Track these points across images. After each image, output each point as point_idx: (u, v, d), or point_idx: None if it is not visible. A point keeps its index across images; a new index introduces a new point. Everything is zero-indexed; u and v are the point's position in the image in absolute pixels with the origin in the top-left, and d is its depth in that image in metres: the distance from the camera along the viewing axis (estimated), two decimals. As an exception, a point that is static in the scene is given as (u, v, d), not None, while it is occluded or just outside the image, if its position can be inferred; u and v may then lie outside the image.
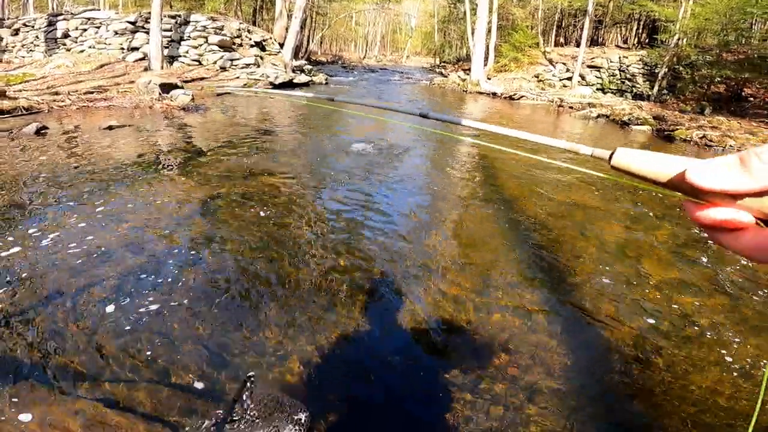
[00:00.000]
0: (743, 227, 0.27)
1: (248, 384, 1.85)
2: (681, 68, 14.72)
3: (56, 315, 2.28)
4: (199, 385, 1.87)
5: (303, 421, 1.67)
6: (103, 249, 2.98)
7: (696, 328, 2.49)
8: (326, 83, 16.07)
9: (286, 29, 18.65)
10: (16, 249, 2.92)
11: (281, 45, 17.11)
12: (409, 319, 2.45)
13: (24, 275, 2.62)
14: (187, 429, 1.66)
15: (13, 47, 15.70)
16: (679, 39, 14.59)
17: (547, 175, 5.57)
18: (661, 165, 0.32)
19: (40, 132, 6.18)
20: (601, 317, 2.54)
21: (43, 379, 1.85)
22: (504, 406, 1.86)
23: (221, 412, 1.73)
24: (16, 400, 1.73)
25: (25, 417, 1.66)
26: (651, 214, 4.40)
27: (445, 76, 21.06)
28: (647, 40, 19.70)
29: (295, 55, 17.44)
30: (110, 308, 2.36)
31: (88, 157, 5.18)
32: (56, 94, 9.15)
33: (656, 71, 15.10)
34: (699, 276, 3.12)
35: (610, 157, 0.35)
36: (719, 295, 2.86)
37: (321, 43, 32.28)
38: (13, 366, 1.92)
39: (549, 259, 3.22)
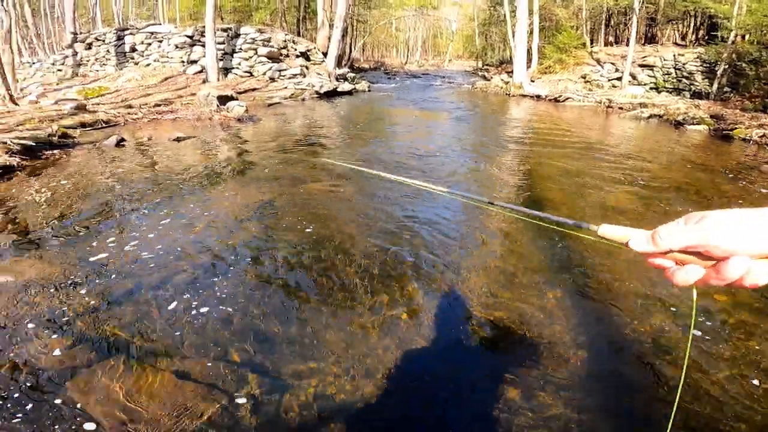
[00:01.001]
0: (665, 268, 0.51)
1: None
2: (743, 65, 13.88)
3: (140, 306, 2.69)
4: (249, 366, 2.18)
5: None
6: (179, 249, 3.41)
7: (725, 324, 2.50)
8: (369, 90, 16.51)
9: (329, 38, 19.35)
10: (113, 243, 3.41)
11: (324, 54, 17.77)
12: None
13: (115, 268, 3.08)
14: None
15: (87, 61, 17.28)
16: (736, 35, 13.76)
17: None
18: (621, 235, 0.54)
19: (119, 144, 6.93)
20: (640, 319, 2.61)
21: (129, 355, 2.23)
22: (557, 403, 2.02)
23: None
24: (108, 372, 2.11)
25: (116, 388, 2.03)
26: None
27: (488, 80, 20.92)
28: (705, 37, 18.62)
29: (339, 63, 18.03)
30: (185, 298, 2.74)
31: (163, 167, 5.79)
32: (129, 107, 10.13)
33: (716, 69, 14.36)
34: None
35: (597, 230, 0.55)
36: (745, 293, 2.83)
37: (363, 50, 33.00)
38: (105, 345, 2.32)
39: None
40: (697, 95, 14.49)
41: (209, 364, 2.18)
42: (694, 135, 9.40)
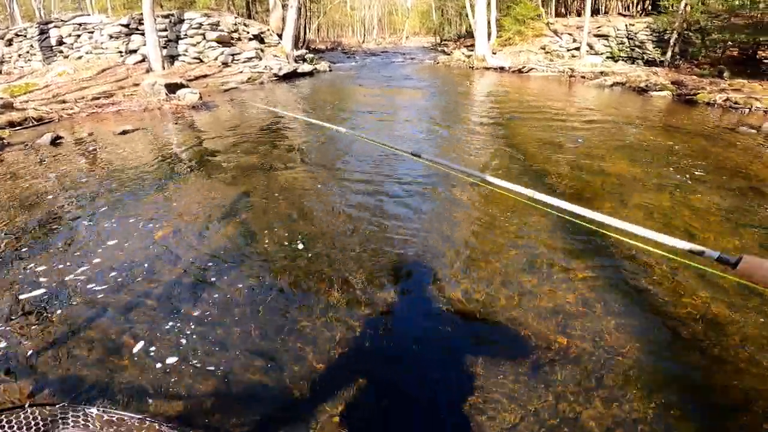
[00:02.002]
0: None
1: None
2: (691, 34, 14.39)
3: (109, 325, 2.20)
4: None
5: None
6: (137, 264, 2.89)
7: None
8: (330, 70, 15.78)
9: (282, 20, 18.26)
10: (59, 264, 2.83)
11: (279, 36, 16.77)
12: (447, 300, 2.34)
13: (75, 284, 2.54)
14: None
15: (9, 58, 15.57)
16: (686, 5, 14.19)
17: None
18: None
19: (55, 142, 6.07)
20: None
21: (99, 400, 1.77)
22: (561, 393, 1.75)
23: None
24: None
25: None
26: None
27: (449, 54, 20.59)
28: (650, 7, 19.18)
29: (295, 45, 17.09)
30: (149, 331, 2.27)
31: (109, 164, 5.07)
32: (63, 102, 9.03)
33: (665, 37, 14.86)
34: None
35: (736, 264, 0.34)
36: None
37: (318, 31, 31.69)
38: (71, 387, 1.84)
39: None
40: (649, 63, 14.91)
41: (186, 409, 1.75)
42: (659, 101, 9.53)
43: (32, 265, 2.81)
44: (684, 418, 1.68)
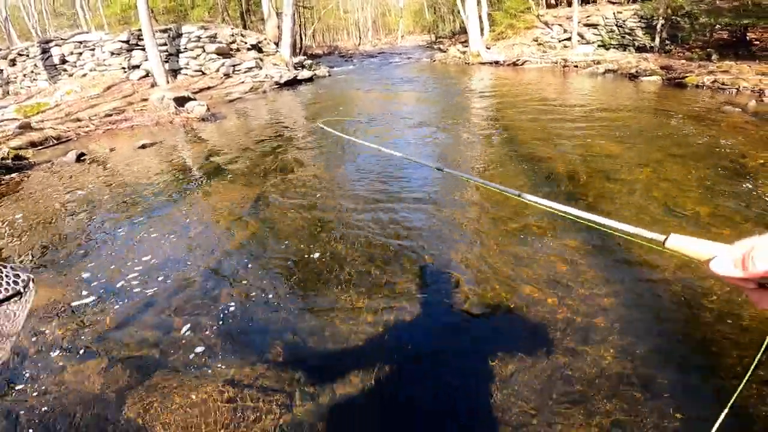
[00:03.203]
0: (747, 289, 0.43)
1: None
2: (679, 19, 14.70)
3: (160, 325, 2.56)
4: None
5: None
6: (180, 259, 3.26)
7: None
8: (329, 75, 16.14)
9: (278, 28, 18.64)
10: (106, 266, 3.20)
11: (276, 44, 17.14)
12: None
13: (121, 284, 2.91)
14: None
15: (15, 78, 15.96)
16: (669, -9, 14.50)
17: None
18: (700, 249, 0.45)
19: (80, 159, 6.46)
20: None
21: (168, 371, 2.13)
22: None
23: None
24: (156, 390, 2.01)
25: (168, 404, 1.94)
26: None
27: (444, 51, 20.93)
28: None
29: (293, 52, 17.45)
30: (203, 306, 2.63)
31: (136, 177, 5.45)
32: (78, 120, 9.42)
33: (653, 23, 15.19)
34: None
35: (664, 241, 0.47)
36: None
37: (314, 36, 32.08)
38: (141, 364, 2.20)
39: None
40: (640, 50, 15.19)
41: (252, 369, 2.11)
42: (650, 86, 9.85)
43: (92, 264, 3.18)
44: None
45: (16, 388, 2.05)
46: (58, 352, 2.29)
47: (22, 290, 1.39)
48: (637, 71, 10.86)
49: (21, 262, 3.38)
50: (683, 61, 12.34)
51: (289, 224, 3.68)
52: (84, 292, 2.85)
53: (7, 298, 1.27)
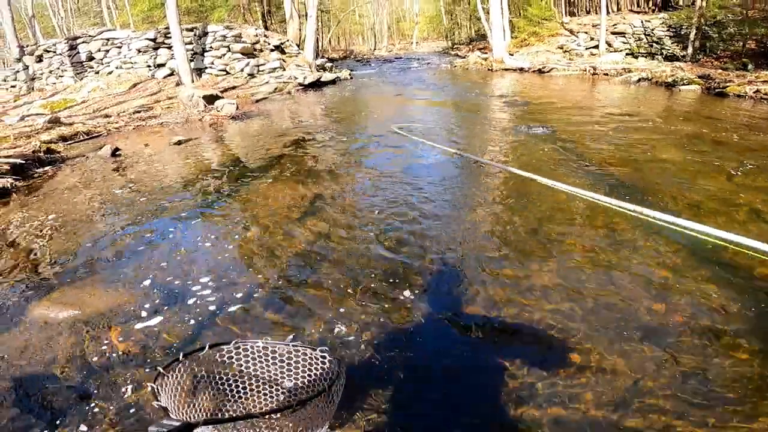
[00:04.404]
0: None
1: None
2: (707, 28, 14.46)
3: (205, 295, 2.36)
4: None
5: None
6: (242, 255, 3.07)
7: None
8: (351, 78, 16.04)
9: (299, 30, 18.64)
10: (167, 253, 3.02)
11: (298, 46, 17.13)
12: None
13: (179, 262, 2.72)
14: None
15: (41, 74, 16.03)
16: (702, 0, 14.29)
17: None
18: None
19: (115, 154, 6.34)
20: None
21: None
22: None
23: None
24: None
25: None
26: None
27: (464, 57, 20.78)
28: (661, 4, 19.27)
29: (315, 54, 17.42)
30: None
31: (176, 172, 5.30)
32: (107, 116, 9.37)
33: (682, 33, 15.01)
34: None
35: None
36: None
37: (330, 41, 32.20)
38: None
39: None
40: (669, 59, 14.92)
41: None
42: (689, 95, 9.57)
43: (142, 260, 3.01)
44: None
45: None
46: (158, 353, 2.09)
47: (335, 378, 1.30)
48: (674, 80, 10.58)
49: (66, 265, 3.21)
50: (719, 70, 12.04)
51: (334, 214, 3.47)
52: (147, 295, 2.66)
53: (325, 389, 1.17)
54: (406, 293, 2.48)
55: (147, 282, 2.78)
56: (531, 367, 1.91)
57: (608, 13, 19.32)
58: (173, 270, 2.91)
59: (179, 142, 6.64)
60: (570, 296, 2.39)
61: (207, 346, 1.34)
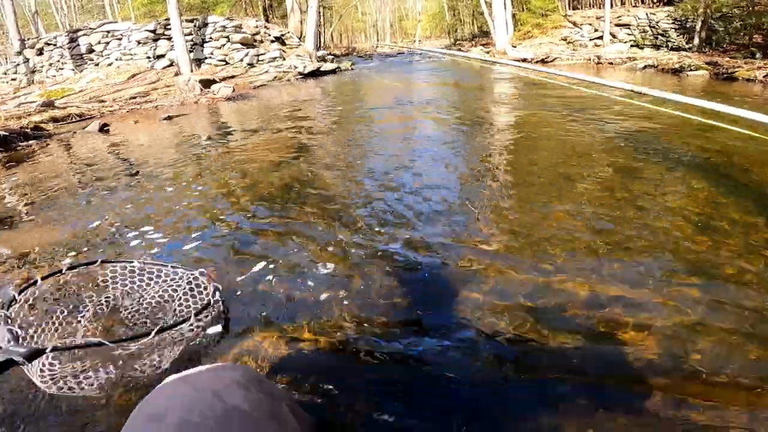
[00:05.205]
0: None
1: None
2: (713, 21, 14.23)
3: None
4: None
5: None
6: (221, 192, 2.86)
7: None
8: (352, 69, 15.87)
9: (301, 22, 18.54)
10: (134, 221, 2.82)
11: (299, 38, 17.03)
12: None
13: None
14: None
15: (41, 67, 16.01)
16: (708, -7, 14.06)
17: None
18: None
19: (103, 129, 6.18)
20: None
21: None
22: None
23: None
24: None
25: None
26: None
27: (466, 52, 20.58)
28: (666, -2, 19.09)
29: (316, 46, 17.31)
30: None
31: (168, 140, 5.12)
32: (102, 101, 9.24)
33: (688, 25, 14.81)
34: None
35: None
36: None
37: (332, 37, 32.12)
38: None
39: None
40: (675, 50, 14.69)
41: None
42: (696, 79, 9.33)
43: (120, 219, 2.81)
44: None
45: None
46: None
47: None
48: (680, 66, 10.34)
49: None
50: (726, 59, 11.80)
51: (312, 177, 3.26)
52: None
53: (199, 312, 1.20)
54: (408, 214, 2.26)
55: (96, 223, 2.58)
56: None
57: (612, 6, 19.20)
58: (129, 213, 2.71)
59: (169, 117, 6.49)
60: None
61: (65, 267, 1.24)
